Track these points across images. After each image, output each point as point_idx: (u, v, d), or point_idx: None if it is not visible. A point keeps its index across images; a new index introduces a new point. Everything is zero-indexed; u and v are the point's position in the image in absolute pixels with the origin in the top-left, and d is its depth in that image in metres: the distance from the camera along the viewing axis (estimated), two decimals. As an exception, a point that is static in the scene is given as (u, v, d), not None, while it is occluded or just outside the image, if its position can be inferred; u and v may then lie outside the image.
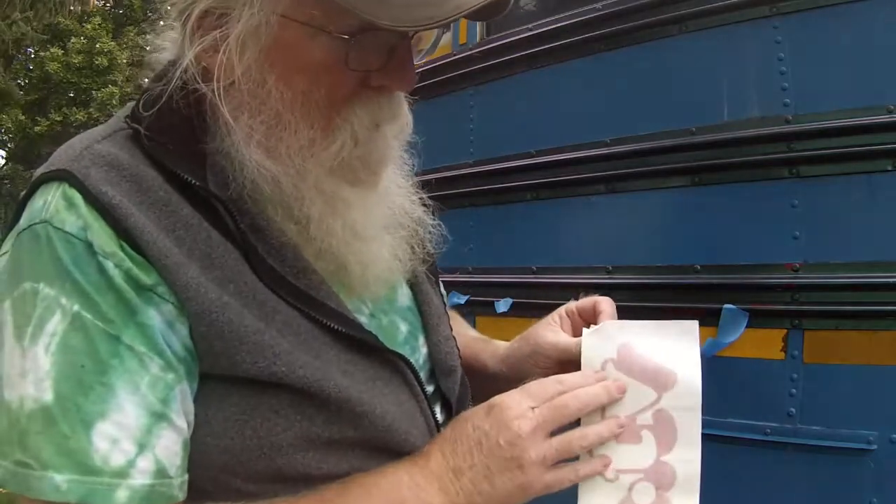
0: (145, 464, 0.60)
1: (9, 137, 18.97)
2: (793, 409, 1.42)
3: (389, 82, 0.69)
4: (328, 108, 0.67)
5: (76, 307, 0.60)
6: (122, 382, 0.60)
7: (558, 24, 1.90)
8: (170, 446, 0.62)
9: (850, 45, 1.42)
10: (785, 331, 1.45)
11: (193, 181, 0.65)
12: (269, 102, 0.67)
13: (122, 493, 0.59)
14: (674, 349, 0.74)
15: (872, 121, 1.37)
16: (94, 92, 16.78)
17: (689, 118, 1.61)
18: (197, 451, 0.65)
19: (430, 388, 0.80)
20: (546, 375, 0.81)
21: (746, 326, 1.47)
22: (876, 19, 1.39)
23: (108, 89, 16.52)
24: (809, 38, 1.47)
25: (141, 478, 0.60)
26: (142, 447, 0.60)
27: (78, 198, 0.62)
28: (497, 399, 0.70)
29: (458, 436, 0.70)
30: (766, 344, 1.46)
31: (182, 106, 0.68)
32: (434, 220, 0.85)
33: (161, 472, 0.61)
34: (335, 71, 0.65)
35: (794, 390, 1.42)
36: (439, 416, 0.79)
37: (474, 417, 0.70)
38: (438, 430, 0.76)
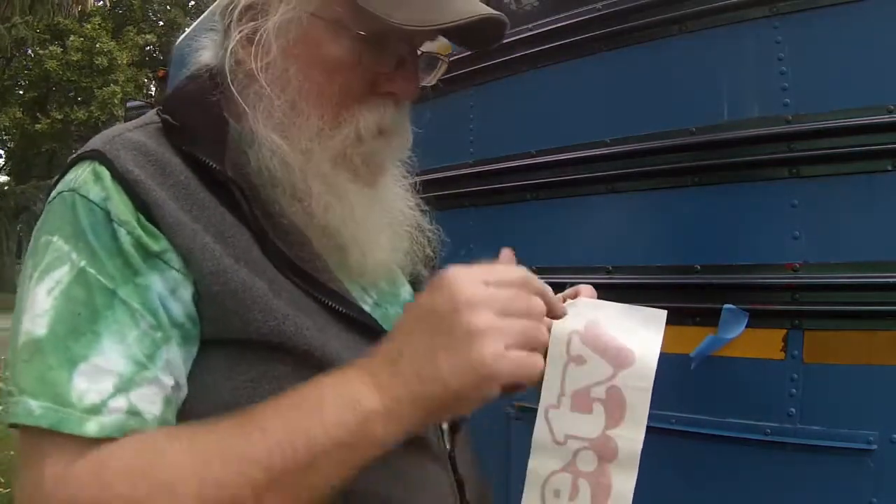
0: (118, 404, 0.63)
1: (8, 137, 18.96)
2: (793, 409, 1.42)
3: (395, 89, 0.76)
4: (338, 104, 0.74)
5: (83, 263, 0.65)
6: (111, 332, 0.64)
7: (558, 24, 1.90)
8: (147, 395, 0.64)
9: (850, 45, 1.42)
10: (785, 331, 1.44)
11: (213, 165, 0.71)
12: (288, 91, 0.74)
13: (92, 425, 0.61)
14: (638, 332, 0.78)
15: (872, 121, 1.37)
16: (95, 91, 16.79)
17: (689, 118, 1.61)
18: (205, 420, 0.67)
19: None
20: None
21: (746, 326, 1.47)
22: (876, 19, 1.39)
23: (109, 88, 16.53)
24: (809, 38, 1.47)
25: (112, 415, 0.62)
26: (118, 391, 0.63)
27: (105, 173, 0.68)
28: (449, 270, 0.65)
29: (404, 318, 0.66)
30: (766, 344, 1.46)
31: (209, 98, 0.76)
32: (432, 224, 0.89)
33: (133, 412, 0.63)
34: (349, 69, 0.73)
35: (794, 390, 1.42)
36: None
37: (423, 294, 0.66)
38: None
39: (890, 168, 1.36)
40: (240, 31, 0.75)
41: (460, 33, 0.75)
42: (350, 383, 0.62)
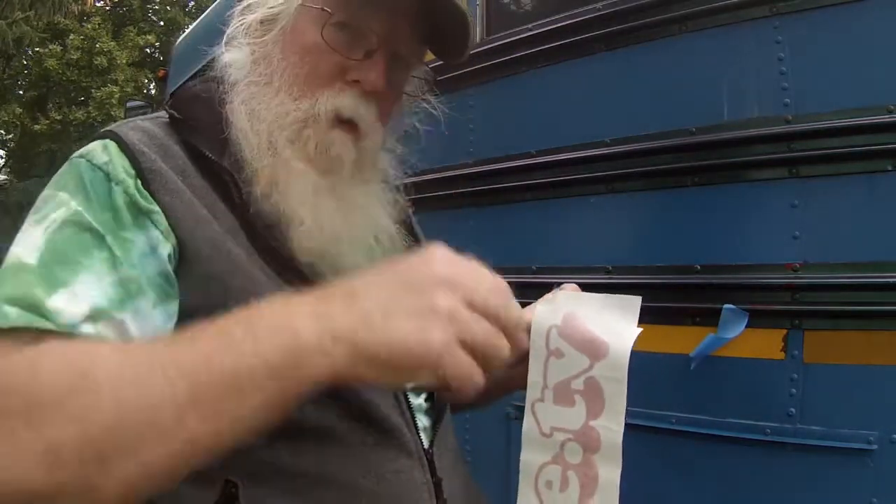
0: (87, 330, 0.66)
1: (9, 138, 18.93)
2: (793, 409, 1.42)
3: (359, 76, 0.81)
4: (306, 84, 0.81)
5: (80, 208, 0.71)
6: (93, 269, 0.68)
7: (558, 24, 1.90)
8: (113, 335, 0.68)
9: (850, 45, 1.42)
10: (785, 331, 1.44)
11: (209, 154, 0.78)
12: (269, 68, 0.82)
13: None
14: (613, 322, 0.80)
15: (872, 121, 1.37)
16: (93, 91, 16.77)
17: (689, 118, 1.61)
18: None
19: None
20: (510, 349, 0.87)
21: (746, 326, 1.47)
22: (876, 19, 1.39)
23: (107, 88, 16.52)
24: (809, 38, 1.47)
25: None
26: (88, 318, 0.66)
27: (112, 145, 0.76)
28: (442, 246, 0.66)
29: (378, 268, 0.65)
30: (766, 344, 1.46)
31: (215, 96, 0.83)
32: (407, 238, 0.94)
33: (100, 339, 0.66)
34: (320, 53, 0.81)
35: (794, 390, 1.42)
36: (423, 402, 0.87)
37: (407, 256, 0.66)
38: (411, 413, 0.82)
39: (890, 168, 1.36)
40: (240, 22, 0.85)
41: (430, 35, 0.85)
42: (295, 313, 0.59)
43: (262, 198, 0.78)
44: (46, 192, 0.75)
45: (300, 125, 0.81)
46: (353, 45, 0.81)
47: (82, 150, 0.77)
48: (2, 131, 18.70)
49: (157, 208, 0.72)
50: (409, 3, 0.82)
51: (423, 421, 0.85)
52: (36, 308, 0.64)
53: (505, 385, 1.00)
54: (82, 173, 0.74)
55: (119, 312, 0.68)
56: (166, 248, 0.72)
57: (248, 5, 0.86)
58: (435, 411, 0.89)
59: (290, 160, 0.80)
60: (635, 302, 0.82)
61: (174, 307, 0.72)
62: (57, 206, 0.72)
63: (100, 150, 0.75)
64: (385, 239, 0.89)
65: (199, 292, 0.72)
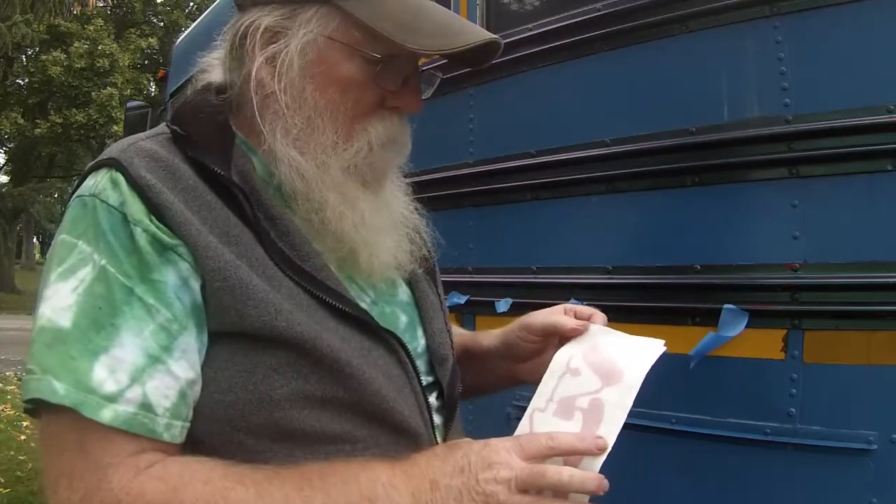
0: (133, 395, 0.69)
1: (7, 138, 18.95)
2: (793, 409, 1.42)
3: (401, 104, 0.85)
4: (351, 118, 0.82)
5: (104, 262, 0.72)
6: (129, 326, 0.70)
7: (558, 24, 1.90)
8: (161, 388, 0.70)
9: (850, 45, 1.42)
10: (785, 331, 1.44)
11: (219, 171, 0.77)
12: (305, 108, 0.81)
13: (107, 412, 0.68)
14: (633, 357, 0.85)
15: (872, 121, 1.37)
16: (93, 94, 16.76)
17: (689, 118, 1.61)
18: (206, 407, 0.74)
19: (430, 379, 0.90)
20: (529, 348, 0.99)
21: (746, 326, 1.47)
22: (876, 19, 1.39)
23: (107, 91, 16.52)
24: (809, 38, 1.47)
25: (126, 406, 0.69)
26: (133, 381, 0.69)
27: (121, 179, 0.74)
28: (492, 440, 0.77)
29: (447, 456, 0.76)
30: (766, 344, 1.46)
31: (216, 111, 0.83)
32: (429, 226, 0.97)
33: (146, 406, 0.70)
34: (362, 87, 0.81)
35: (794, 390, 1.42)
36: (434, 401, 0.89)
37: (467, 447, 0.76)
38: (430, 412, 0.86)
39: (890, 168, 1.36)
40: (263, 53, 0.81)
41: (462, 56, 0.84)
42: (398, 494, 0.72)
43: (308, 214, 0.81)
44: (65, 237, 0.74)
45: (353, 156, 0.83)
46: (392, 76, 0.83)
47: (92, 187, 0.76)
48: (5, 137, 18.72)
49: (179, 241, 0.73)
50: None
51: (436, 419, 0.88)
52: (82, 383, 0.67)
53: (511, 379, 1.05)
54: (100, 218, 0.73)
55: (164, 361, 0.71)
56: (197, 280, 0.74)
57: (265, 27, 0.82)
58: (447, 409, 0.91)
59: (351, 190, 0.83)
60: (658, 344, 0.87)
61: (206, 336, 0.75)
62: (81, 261, 0.72)
63: (111, 188, 0.74)
64: (411, 230, 0.94)
65: (215, 321, 0.75)
